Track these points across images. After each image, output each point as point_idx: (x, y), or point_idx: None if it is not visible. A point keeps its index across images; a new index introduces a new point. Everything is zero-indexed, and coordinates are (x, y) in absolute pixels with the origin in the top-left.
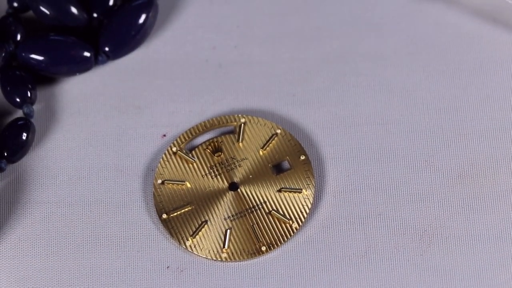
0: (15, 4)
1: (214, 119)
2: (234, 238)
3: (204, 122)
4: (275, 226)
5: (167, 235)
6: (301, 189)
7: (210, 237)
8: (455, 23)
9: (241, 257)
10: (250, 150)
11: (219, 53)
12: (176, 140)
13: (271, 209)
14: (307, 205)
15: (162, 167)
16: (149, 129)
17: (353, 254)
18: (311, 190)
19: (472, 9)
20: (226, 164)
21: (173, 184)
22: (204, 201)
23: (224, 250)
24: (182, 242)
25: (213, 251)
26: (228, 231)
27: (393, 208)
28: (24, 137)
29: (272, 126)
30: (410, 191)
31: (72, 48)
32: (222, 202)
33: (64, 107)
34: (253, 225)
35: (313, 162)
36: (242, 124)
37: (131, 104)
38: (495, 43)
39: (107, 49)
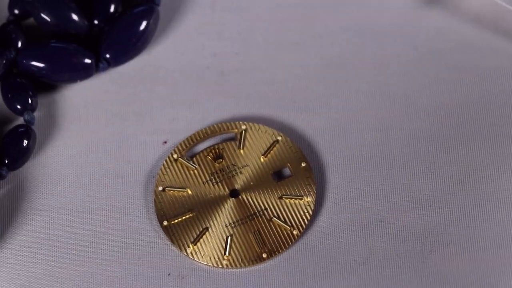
0: (16, 11)
1: (215, 125)
2: (235, 245)
3: (205, 129)
4: (276, 233)
5: (168, 242)
6: (302, 196)
7: (211, 244)
8: (456, 31)
9: (242, 264)
10: (251, 157)
11: (220, 60)
12: (177, 147)
13: (272, 216)
14: (308, 212)
15: (163, 174)
16: (150, 136)
17: (354, 261)
18: (312, 197)
19: (473, 17)
20: (227, 171)
21: (174, 191)
22: (205, 208)
23: (225, 257)
24: (183, 249)
25: (214, 258)
26: (229, 238)
27: (394, 214)
28: (25, 144)
29: (273, 133)
30: (411, 198)
31: (73, 55)
32: (223, 209)
33: (65, 114)
34: (254, 232)
35: (314, 169)
36: (243, 131)
37: (132, 111)
38: (496, 51)
39: (108, 56)
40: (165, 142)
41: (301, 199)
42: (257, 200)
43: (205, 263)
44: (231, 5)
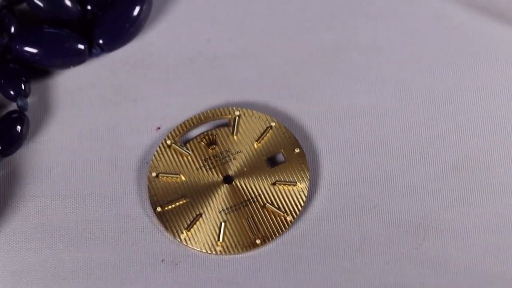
0: None
1: (208, 111)
2: (229, 231)
3: (199, 115)
4: (269, 219)
5: (161, 228)
6: (296, 182)
7: (204, 230)
8: (450, 15)
9: (235, 250)
10: (245, 143)
11: (214, 45)
12: (171, 133)
13: (265, 202)
14: (301, 198)
15: (157, 160)
16: (143, 121)
17: (348, 247)
18: (306, 183)
19: (466, 1)
20: (221, 157)
21: (167, 177)
22: (198, 194)
23: (218, 243)
24: (176, 235)
25: (208, 244)
26: (223, 224)
27: (388, 200)
28: (18, 130)
29: (267, 119)
30: (404, 183)
31: (66, 41)
32: (216, 195)
33: (58, 100)
34: (247, 218)
35: (308, 155)
36: (237, 117)
37: (126, 96)
38: (489, 35)
39: (101, 41)
40: (159, 128)
41: (294, 185)
42: (251, 186)
43: (199, 250)
44: None
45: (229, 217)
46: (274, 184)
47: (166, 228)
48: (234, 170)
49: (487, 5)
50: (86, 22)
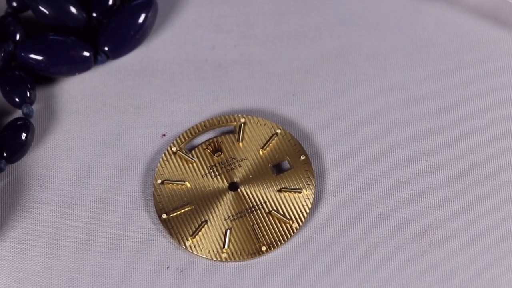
0: (14, 4)
1: (214, 118)
2: (234, 238)
3: (204, 121)
4: (275, 226)
5: (167, 235)
6: (301, 189)
7: (210, 237)
8: (455, 22)
9: (241, 257)
10: (250, 150)
11: (219, 52)
12: (176, 140)
13: (271, 209)
14: (307, 205)
15: (162, 167)
16: (148, 129)
17: (353, 254)
18: (311, 190)
19: (472, 8)
20: (226, 164)
21: (172, 184)
22: (204, 201)
23: (224, 250)
24: (182, 242)
25: (213, 251)
26: (228, 231)
27: (393, 207)
28: (23, 137)
29: (272, 126)
30: (410, 190)
31: (72, 48)
32: (222, 202)
33: (63, 107)
34: (253, 225)
35: (313, 162)
36: (242, 124)
37: (131, 104)
38: (495, 42)
39: (106, 49)
40: (164, 135)
41: (300, 192)
42: (256, 193)
43: (204, 256)
44: None
45: (234, 224)
46: (279, 191)
47: (171, 235)
48: (239, 177)
49: (493, 13)
50: (91, 29)
